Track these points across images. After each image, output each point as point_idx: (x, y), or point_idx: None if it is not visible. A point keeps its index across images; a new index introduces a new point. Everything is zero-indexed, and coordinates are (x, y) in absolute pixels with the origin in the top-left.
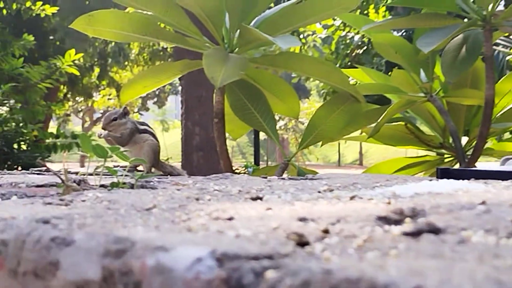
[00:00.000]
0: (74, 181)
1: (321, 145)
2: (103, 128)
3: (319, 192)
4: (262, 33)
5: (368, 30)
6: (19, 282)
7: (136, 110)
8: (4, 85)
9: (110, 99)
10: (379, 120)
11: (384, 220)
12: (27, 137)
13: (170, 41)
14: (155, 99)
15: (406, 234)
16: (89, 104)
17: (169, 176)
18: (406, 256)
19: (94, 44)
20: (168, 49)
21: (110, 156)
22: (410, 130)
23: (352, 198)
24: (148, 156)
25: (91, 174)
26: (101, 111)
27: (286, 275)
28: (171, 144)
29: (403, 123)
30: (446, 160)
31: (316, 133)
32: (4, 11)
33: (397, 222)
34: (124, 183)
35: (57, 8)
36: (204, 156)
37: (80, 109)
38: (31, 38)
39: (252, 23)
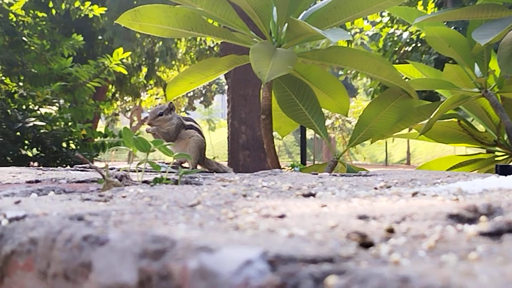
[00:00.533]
0: (116, 177)
1: (371, 143)
2: (149, 124)
3: (376, 188)
4: (311, 26)
5: (421, 23)
6: (48, 285)
7: (182, 109)
8: (53, 84)
9: (158, 98)
10: (431, 117)
11: (456, 218)
12: (76, 136)
13: (216, 36)
14: (202, 98)
15: (484, 234)
16: (137, 104)
17: (214, 173)
18: (492, 261)
19: (141, 44)
20: (215, 48)
21: (153, 150)
22: (463, 127)
23: (414, 194)
24: (194, 152)
25: (134, 171)
26: (149, 110)
27: (353, 282)
28: (217, 143)
29: (455, 119)
30: (500, 158)
31: (366, 130)
32: (53, 11)
33: (471, 221)
34: (167, 179)
35: (105, 8)
36: (250, 154)
37: (128, 109)
38: (80, 38)
39: (300, 17)
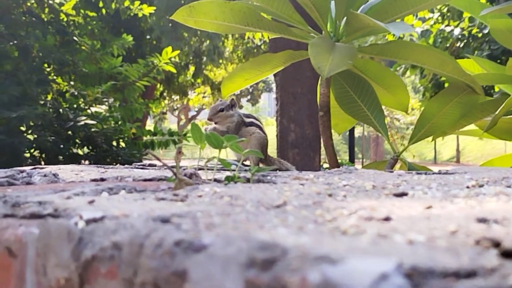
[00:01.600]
0: (185, 175)
1: (432, 140)
2: (209, 119)
3: (468, 187)
4: (372, 19)
5: (484, 16)
6: None
7: None
8: (104, 84)
9: (205, 97)
10: (496, 113)
11: None
12: (126, 135)
13: (272, 31)
14: (249, 97)
15: None
16: (184, 102)
17: (278, 171)
18: None
19: (189, 43)
20: (262, 46)
21: (226, 146)
22: None
23: None
24: (255, 149)
25: (202, 168)
26: (196, 109)
27: None
28: None
29: None
30: None
31: (427, 126)
32: (103, 11)
33: None
34: (239, 177)
35: (154, 8)
36: (299, 153)
37: (175, 107)
38: (130, 38)
39: (359, 11)
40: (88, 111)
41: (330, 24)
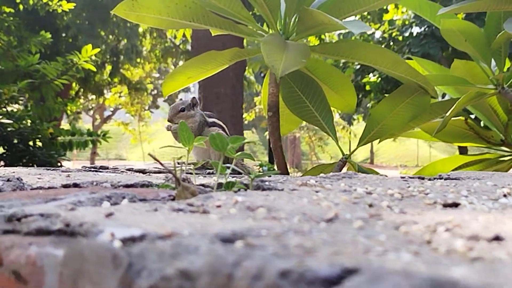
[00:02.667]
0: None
1: (379, 142)
2: (169, 120)
3: (505, 196)
4: (329, 16)
5: (434, 17)
6: None
7: (146, 107)
8: (20, 82)
9: (121, 96)
10: (447, 115)
11: None
12: (43, 134)
13: (219, 28)
14: (166, 97)
15: None
16: (100, 102)
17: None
18: None
19: (106, 41)
20: (181, 46)
21: (230, 148)
22: (469, 126)
23: None
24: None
25: (166, 172)
26: (112, 109)
27: None
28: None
29: (462, 118)
30: (506, 158)
31: (378, 128)
32: (21, 7)
33: None
34: (240, 183)
35: (74, 4)
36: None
37: (90, 107)
38: (48, 35)
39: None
40: (4, 110)
41: (279, 22)
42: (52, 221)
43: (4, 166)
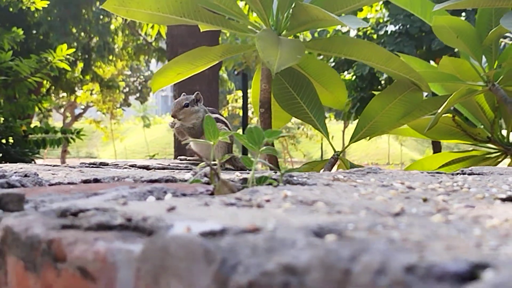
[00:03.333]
0: (205, 175)
1: (369, 139)
2: (173, 116)
3: None
4: (325, 11)
5: (425, 13)
6: None
7: (118, 105)
8: None
9: (93, 94)
10: (439, 111)
11: None
12: (16, 132)
13: (210, 23)
14: (138, 95)
15: None
16: (72, 99)
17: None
18: None
19: (78, 38)
20: (153, 44)
21: (265, 143)
22: (456, 123)
23: None
24: (223, 147)
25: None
26: (83, 107)
27: None
28: (152, 140)
29: (450, 115)
30: (492, 155)
31: (370, 125)
32: None
33: None
34: (271, 178)
35: (48, 2)
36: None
37: (61, 105)
38: (21, 31)
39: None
40: None
41: (271, 17)
42: (112, 216)
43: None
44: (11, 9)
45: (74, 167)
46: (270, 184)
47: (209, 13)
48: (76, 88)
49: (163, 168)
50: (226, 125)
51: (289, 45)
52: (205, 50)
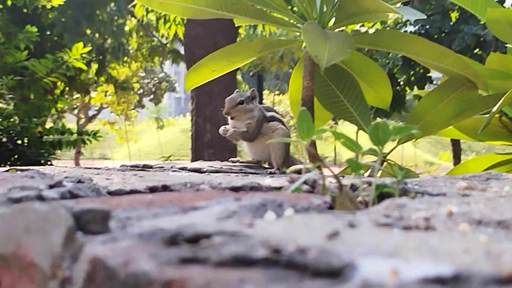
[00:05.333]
0: (306, 183)
1: (414, 141)
2: (226, 113)
3: None
4: (382, 1)
5: (483, 5)
6: None
7: (132, 107)
8: (6, 78)
9: (108, 95)
10: (493, 110)
11: None
12: (31, 133)
13: (249, 17)
14: (151, 96)
15: None
16: (86, 101)
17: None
18: None
19: (92, 40)
20: (168, 45)
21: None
22: (503, 123)
23: None
24: (280, 149)
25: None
26: (97, 108)
27: None
28: (165, 142)
29: (497, 115)
30: None
31: (420, 124)
32: (9, 2)
33: None
34: (387, 187)
35: (63, 0)
36: (215, 153)
37: (75, 106)
38: (34, 29)
39: None
40: None
41: (313, 10)
42: (249, 244)
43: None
44: (25, 10)
45: (123, 171)
46: (388, 193)
47: (248, 5)
48: (90, 89)
49: (216, 171)
50: (283, 123)
51: (337, 39)
52: (243, 45)
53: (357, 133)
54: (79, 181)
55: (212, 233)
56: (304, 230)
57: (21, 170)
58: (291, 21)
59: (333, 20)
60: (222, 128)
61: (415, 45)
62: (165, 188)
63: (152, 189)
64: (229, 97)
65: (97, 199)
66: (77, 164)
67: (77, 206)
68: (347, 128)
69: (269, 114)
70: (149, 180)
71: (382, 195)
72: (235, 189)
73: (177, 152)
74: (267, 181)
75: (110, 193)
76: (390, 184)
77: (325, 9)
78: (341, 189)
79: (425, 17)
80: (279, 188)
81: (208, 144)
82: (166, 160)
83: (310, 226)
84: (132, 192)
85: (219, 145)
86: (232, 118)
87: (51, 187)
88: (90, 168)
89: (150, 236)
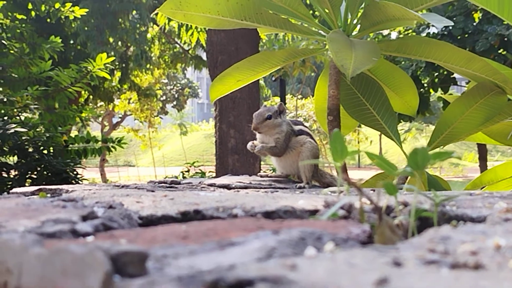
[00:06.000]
0: (342, 207)
1: (442, 147)
2: (254, 129)
3: None
4: (407, 9)
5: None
6: None
7: (156, 113)
8: (31, 88)
9: (131, 103)
10: None
11: None
12: (57, 142)
13: (273, 26)
14: (174, 102)
15: None
16: (110, 108)
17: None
18: None
19: (115, 48)
20: (190, 51)
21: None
22: None
23: None
24: (309, 163)
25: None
26: (120, 116)
27: None
28: (188, 148)
29: None
30: None
31: (448, 131)
32: (33, 13)
33: None
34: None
35: (86, 10)
36: (239, 159)
37: (98, 114)
38: (58, 39)
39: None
40: (18, 118)
41: (337, 18)
42: None
43: (19, 175)
44: (48, 20)
45: (152, 191)
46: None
47: (272, 15)
48: (114, 97)
49: (245, 187)
50: (311, 137)
51: (363, 47)
52: (267, 54)
53: (380, 135)
54: (110, 207)
55: (255, 279)
56: (349, 273)
57: (50, 191)
58: (315, 29)
59: (358, 27)
60: (250, 143)
61: (442, 51)
62: (197, 212)
63: (184, 214)
64: (256, 112)
65: (131, 232)
66: (102, 172)
67: (113, 248)
68: (369, 131)
69: (297, 127)
70: (180, 203)
71: (419, 216)
72: (269, 214)
73: (201, 158)
74: (300, 202)
75: (141, 218)
76: (428, 208)
77: (349, 16)
78: (381, 218)
79: (452, 23)
80: (313, 212)
81: (232, 150)
82: (191, 166)
83: (354, 266)
84: (164, 217)
85: (244, 151)
86: (260, 133)
87: (84, 218)
88: (118, 186)
89: (189, 280)
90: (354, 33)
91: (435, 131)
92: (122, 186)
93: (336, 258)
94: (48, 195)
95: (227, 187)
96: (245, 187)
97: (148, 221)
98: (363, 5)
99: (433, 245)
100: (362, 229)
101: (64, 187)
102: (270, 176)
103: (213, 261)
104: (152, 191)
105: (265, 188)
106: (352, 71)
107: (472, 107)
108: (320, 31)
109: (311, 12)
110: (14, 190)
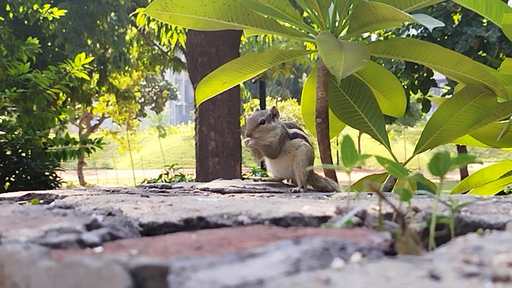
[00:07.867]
0: (356, 214)
1: (430, 151)
2: (248, 135)
3: None
4: (397, 10)
5: (498, 12)
6: None
7: (134, 116)
8: (9, 90)
9: (109, 105)
10: None
11: None
12: (36, 145)
13: (260, 28)
14: (153, 105)
15: None
16: (88, 111)
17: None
18: None
19: (93, 50)
20: (169, 53)
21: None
22: None
23: None
24: (304, 166)
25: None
26: (98, 118)
27: None
28: (167, 150)
29: None
30: None
31: (436, 134)
32: (11, 15)
33: None
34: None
35: (65, 10)
36: (220, 162)
37: (76, 116)
38: (36, 41)
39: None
40: None
41: (326, 19)
42: None
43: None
44: (26, 22)
45: (148, 196)
46: (442, 224)
47: (259, 16)
48: (92, 100)
49: (240, 192)
50: (306, 140)
51: (353, 49)
52: (254, 56)
53: (359, 137)
54: (110, 214)
55: None
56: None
57: (39, 196)
58: (303, 30)
59: (346, 29)
60: (244, 139)
61: (431, 53)
62: (200, 219)
63: (187, 221)
64: (249, 117)
65: (139, 241)
66: (80, 174)
67: (132, 261)
68: (348, 132)
69: (291, 130)
70: (180, 209)
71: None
72: (276, 221)
73: (180, 160)
74: (305, 208)
75: (142, 225)
76: (444, 214)
77: (337, 17)
78: (404, 228)
79: (443, 24)
80: (322, 219)
81: (212, 152)
82: (170, 169)
83: (390, 280)
84: (166, 224)
85: (224, 153)
86: (255, 138)
87: (87, 227)
88: (108, 191)
89: None
90: (342, 34)
91: (424, 133)
92: (113, 191)
93: (368, 271)
94: (41, 201)
95: (221, 191)
96: (240, 192)
97: (150, 229)
98: (351, 7)
99: (467, 256)
100: (384, 238)
101: (54, 192)
102: (264, 180)
103: (236, 275)
104: (147, 196)
105: (259, 192)
106: (343, 73)
107: (462, 109)
108: (308, 33)
109: (298, 13)
110: (1, 195)
